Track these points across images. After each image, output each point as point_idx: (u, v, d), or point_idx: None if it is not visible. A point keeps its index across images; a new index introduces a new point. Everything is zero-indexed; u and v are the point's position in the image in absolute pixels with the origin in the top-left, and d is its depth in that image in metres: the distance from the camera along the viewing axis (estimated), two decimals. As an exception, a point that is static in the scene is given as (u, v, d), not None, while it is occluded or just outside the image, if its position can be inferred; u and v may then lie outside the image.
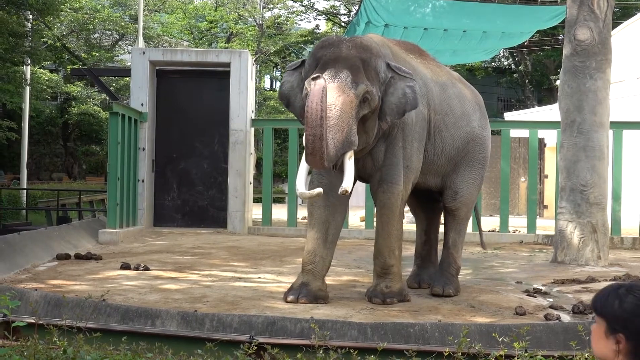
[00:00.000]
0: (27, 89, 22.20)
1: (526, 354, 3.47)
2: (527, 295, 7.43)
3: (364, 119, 6.40)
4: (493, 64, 37.40)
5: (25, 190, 21.31)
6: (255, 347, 3.84)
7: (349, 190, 6.20)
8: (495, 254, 10.91)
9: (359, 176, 6.95)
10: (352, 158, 6.30)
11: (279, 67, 37.09)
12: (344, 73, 6.25)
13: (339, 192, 6.18)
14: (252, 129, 13.85)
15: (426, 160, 7.16)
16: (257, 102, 14.64)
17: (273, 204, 13.64)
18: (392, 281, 6.78)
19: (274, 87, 39.49)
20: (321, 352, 3.59)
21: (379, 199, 6.83)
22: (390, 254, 6.78)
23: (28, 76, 21.34)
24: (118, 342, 4.07)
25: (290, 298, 6.67)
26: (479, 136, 7.69)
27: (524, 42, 25.65)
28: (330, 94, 6.14)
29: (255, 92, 15.54)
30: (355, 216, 16.01)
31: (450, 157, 7.42)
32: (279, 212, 14.40)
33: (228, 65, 13.37)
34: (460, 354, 3.63)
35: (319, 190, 6.28)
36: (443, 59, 12.51)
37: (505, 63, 38.40)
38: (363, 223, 13.15)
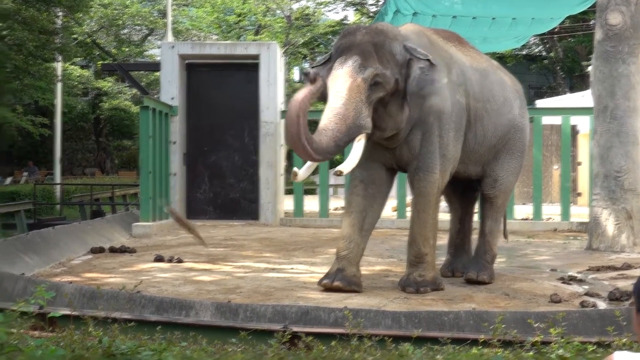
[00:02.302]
0: (59, 85, 22.41)
1: (562, 340, 3.44)
2: (562, 282, 7.36)
3: (384, 103, 6.42)
4: (524, 51, 37.04)
5: (59, 186, 21.56)
6: (289, 336, 3.84)
7: (344, 171, 6.27)
8: (529, 242, 10.83)
9: (397, 165, 6.97)
10: (362, 141, 6.32)
11: (307, 58, 37.05)
12: (352, 59, 6.32)
13: (333, 172, 6.25)
14: (282, 120, 13.84)
15: (467, 149, 7.11)
16: (286, 93, 14.62)
17: (304, 196, 13.63)
18: (425, 270, 6.75)
19: (302, 78, 39.48)
20: (355, 339, 3.58)
21: (415, 187, 6.82)
22: (424, 242, 6.75)
23: (59, 72, 21.53)
24: (153, 332, 4.10)
25: (325, 282, 6.68)
26: (520, 124, 7.64)
27: (555, 28, 25.40)
28: (338, 81, 6.27)
29: (285, 84, 15.51)
30: (387, 206, 15.96)
31: (492, 145, 7.36)
32: (311, 204, 14.39)
33: (257, 57, 13.37)
34: (495, 340, 3.60)
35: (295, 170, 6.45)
36: (473, 47, 12.42)
37: (536, 50, 38.05)
38: (395, 213, 13.10)
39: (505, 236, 8.54)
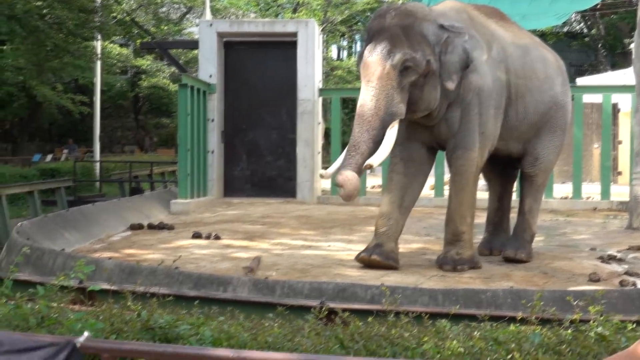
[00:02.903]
0: (98, 63, 22.58)
1: (601, 318, 3.40)
2: (602, 262, 7.30)
3: (417, 85, 6.40)
4: (565, 28, 36.54)
5: (98, 163, 21.77)
6: (326, 312, 3.85)
7: (374, 165, 6.25)
8: (568, 221, 10.73)
9: (437, 143, 6.96)
10: (395, 128, 6.34)
11: (345, 36, 36.88)
12: (381, 45, 6.35)
13: (363, 166, 6.21)
14: (320, 98, 13.82)
15: (508, 126, 7.05)
16: (324, 72, 14.61)
17: (342, 174, 13.59)
18: (463, 248, 6.73)
19: (341, 56, 39.34)
20: (392, 316, 3.59)
21: (453, 165, 6.79)
22: (462, 220, 6.73)
23: (99, 51, 21.68)
24: (190, 307, 4.14)
25: (362, 255, 6.74)
26: (561, 101, 7.54)
27: (596, 5, 24.97)
28: (368, 70, 6.34)
29: (323, 61, 15.48)
30: (425, 185, 15.89)
31: (533, 123, 7.28)
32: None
33: (295, 35, 13.34)
34: (533, 318, 3.58)
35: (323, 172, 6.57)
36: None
37: (577, 27, 37.52)
38: (433, 191, 13.06)
39: None
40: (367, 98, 6.30)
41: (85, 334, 2.61)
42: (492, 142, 6.89)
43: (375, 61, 6.31)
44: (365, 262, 6.69)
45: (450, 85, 6.46)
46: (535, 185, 7.49)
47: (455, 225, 6.76)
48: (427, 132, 6.87)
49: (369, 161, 6.22)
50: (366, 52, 6.42)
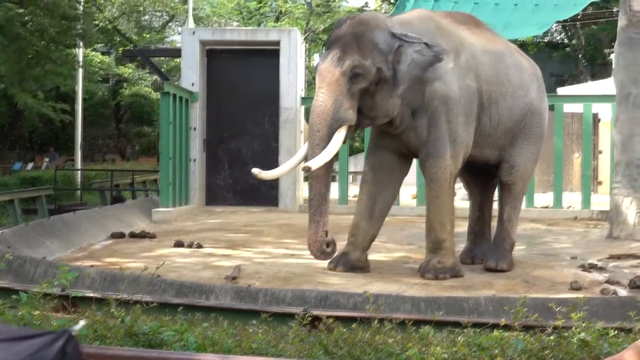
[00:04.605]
0: (80, 71, 22.49)
1: (584, 324, 3.43)
2: (583, 270, 7.34)
3: (369, 92, 6.49)
4: (545, 38, 36.74)
5: (79, 171, 21.66)
6: (310, 318, 3.86)
7: (312, 167, 6.32)
8: (549, 230, 10.79)
9: (409, 151, 6.99)
10: (342, 134, 6.45)
11: (327, 45, 36.89)
12: (332, 52, 6.49)
13: (302, 168, 6.38)
14: (303, 107, 13.84)
15: (482, 133, 7.08)
16: (306, 80, 14.65)
17: (324, 182, 13.59)
18: (444, 256, 6.76)
19: (323, 66, 39.33)
20: (376, 322, 3.60)
21: (426, 174, 6.85)
22: (441, 228, 6.76)
23: (80, 58, 21.61)
24: (174, 314, 4.14)
25: (329, 266, 6.96)
26: (537, 108, 7.53)
27: (577, 15, 25.19)
28: (319, 76, 6.50)
29: (305, 70, 15.51)
30: (407, 193, 15.93)
31: (508, 129, 7.29)
32: (330, 190, 14.36)
33: (278, 43, 13.37)
34: (516, 324, 3.60)
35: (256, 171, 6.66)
36: (494, 34, 12.34)
37: (558, 37, 37.75)
38: (414, 200, 13.08)
39: None
40: (316, 104, 6.45)
41: (81, 322, 2.63)
42: (466, 149, 6.91)
43: (326, 68, 6.46)
44: (332, 271, 6.86)
45: (401, 92, 6.54)
46: (514, 193, 7.47)
47: (435, 233, 6.80)
48: (397, 140, 6.92)
49: (307, 163, 6.33)
50: (320, 60, 6.56)
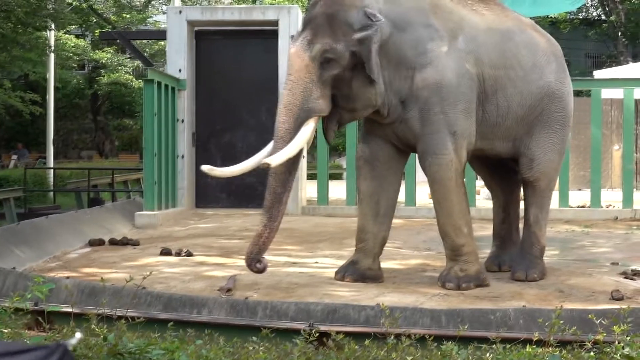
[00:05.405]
0: (52, 56, 22.51)
1: (628, 338, 3.44)
2: (625, 277, 7.33)
3: (343, 79, 6.47)
4: (580, 15, 36.73)
5: (52, 170, 21.72)
6: (317, 334, 3.87)
7: (271, 164, 6.29)
8: (586, 232, 10.79)
9: (404, 146, 6.96)
10: (310, 126, 6.43)
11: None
12: (302, 35, 6.48)
13: (259, 164, 6.36)
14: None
15: (489, 123, 6.99)
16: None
17: (330, 181, 13.64)
18: (466, 263, 6.74)
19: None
20: (392, 337, 3.61)
21: (427, 174, 6.77)
22: (457, 233, 6.73)
23: (52, 42, 21.65)
24: (163, 330, 4.15)
25: (336, 277, 6.94)
26: (556, 92, 7.36)
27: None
28: (288, 62, 6.51)
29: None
30: (424, 192, 15.95)
31: (520, 118, 7.15)
32: (337, 190, 14.40)
33: (276, 23, 13.36)
34: (551, 339, 3.61)
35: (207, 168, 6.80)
36: (521, 10, 12.30)
37: (594, 13, 37.72)
38: (432, 200, 13.09)
39: None
40: (284, 92, 6.44)
41: (77, 334, 2.65)
42: (468, 140, 6.84)
43: (295, 53, 6.42)
44: (340, 281, 6.86)
45: (390, 79, 6.56)
46: (538, 191, 7.35)
47: (452, 239, 6.76)
48: (389, 129, 6.88)
49: (267, 159, 6.30)
50: (291, 44, 6.57)
